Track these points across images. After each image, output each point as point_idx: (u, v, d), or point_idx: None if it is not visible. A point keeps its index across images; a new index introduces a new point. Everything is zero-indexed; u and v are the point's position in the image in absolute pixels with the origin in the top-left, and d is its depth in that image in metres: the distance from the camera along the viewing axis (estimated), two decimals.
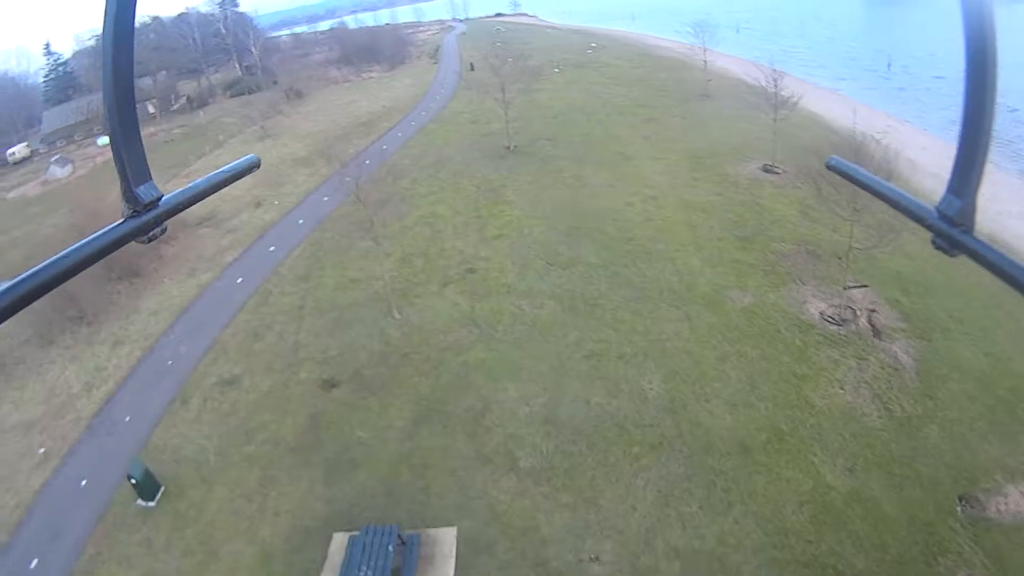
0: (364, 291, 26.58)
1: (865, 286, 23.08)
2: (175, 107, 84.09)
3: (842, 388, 18.30)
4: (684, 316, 22.45)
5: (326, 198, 36.08)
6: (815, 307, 22.30)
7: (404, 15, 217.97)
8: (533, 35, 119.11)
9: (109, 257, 0.94)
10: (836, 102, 50.15)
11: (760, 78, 35.38)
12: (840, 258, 23.24)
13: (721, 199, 31.42)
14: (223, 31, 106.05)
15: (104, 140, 73.60)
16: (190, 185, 1.05)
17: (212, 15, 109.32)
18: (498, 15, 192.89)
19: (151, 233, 0.97)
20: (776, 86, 35.08)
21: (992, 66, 0.86)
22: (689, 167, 36.13)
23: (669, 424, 17.60)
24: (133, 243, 0.97)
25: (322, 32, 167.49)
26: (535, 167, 39.09)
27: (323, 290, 27.40)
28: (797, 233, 27.42)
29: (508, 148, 42.62)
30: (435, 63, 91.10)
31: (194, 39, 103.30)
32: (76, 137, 78.06)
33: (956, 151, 0.93)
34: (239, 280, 28.84)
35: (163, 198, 0.98)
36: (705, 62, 53.18)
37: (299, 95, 76.96)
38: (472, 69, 77.01)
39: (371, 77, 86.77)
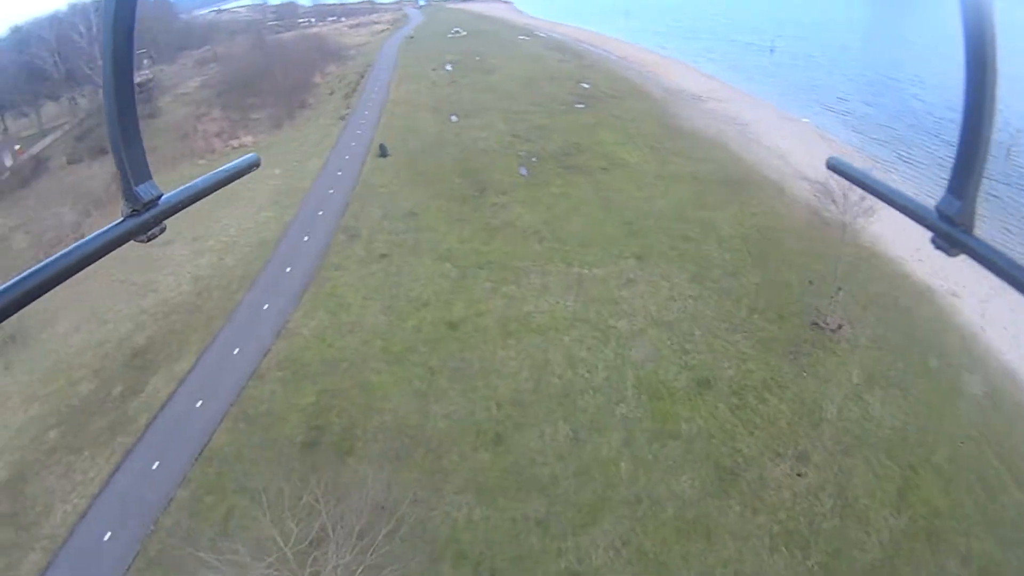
0: None
1: None
2: (3, 176, 57.24)
3: None
4: None
5: None
6: None
7: None
8: (501, 45, 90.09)
9: None
10: None
11: None
12: None
13: None
14: (82, 43, 75.96)
15: None
16: (189, 184, 1.02)
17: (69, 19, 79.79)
18: None
19: (151, 232, 0.96)
20: None
21: (992, 67, 0.84)
22: None
23: None
24: None
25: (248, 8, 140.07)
26: None
27: None
28: None
29: None
30: (343, 117, 62.10)
31: (57, 59, 74.92)
32: None
33: (956, 152, 0.90)
34: None
35: (163, 197, 0.97)
36: None
37: None
38: (383, 155, 48.85)
39: (243, 146, 58.06)
